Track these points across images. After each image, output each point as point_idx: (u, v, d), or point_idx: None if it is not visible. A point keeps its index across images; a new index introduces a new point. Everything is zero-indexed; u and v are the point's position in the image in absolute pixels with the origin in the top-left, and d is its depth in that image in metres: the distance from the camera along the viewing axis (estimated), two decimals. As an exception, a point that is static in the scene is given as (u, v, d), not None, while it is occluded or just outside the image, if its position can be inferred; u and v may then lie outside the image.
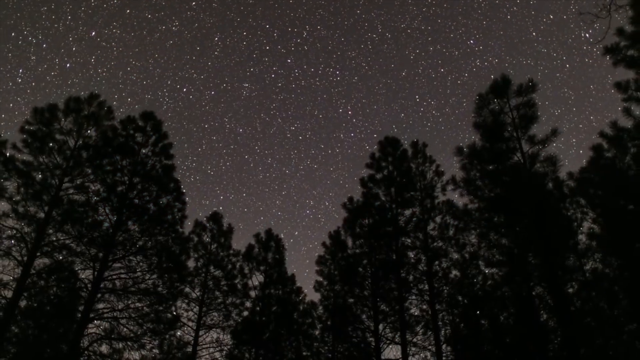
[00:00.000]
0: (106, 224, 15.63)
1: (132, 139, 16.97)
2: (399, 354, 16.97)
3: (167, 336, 17.12)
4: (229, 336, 20.21)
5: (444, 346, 16.78)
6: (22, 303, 15.47)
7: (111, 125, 16.85)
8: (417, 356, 18.13)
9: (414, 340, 17.70)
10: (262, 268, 22.18)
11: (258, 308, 21.19)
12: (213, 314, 20.23)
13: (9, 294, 13.93)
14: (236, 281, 21.05)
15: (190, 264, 19.61)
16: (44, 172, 15.34)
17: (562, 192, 15.44)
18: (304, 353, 21.41)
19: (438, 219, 18.65)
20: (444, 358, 16.40)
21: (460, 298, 17.65)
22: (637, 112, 12.68)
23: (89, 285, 14.87)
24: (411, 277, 18.16)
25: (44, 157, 15.40)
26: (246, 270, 21.65)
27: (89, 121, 16.43)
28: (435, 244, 18.20)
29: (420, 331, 17.86)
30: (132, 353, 15.26)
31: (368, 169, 20.16)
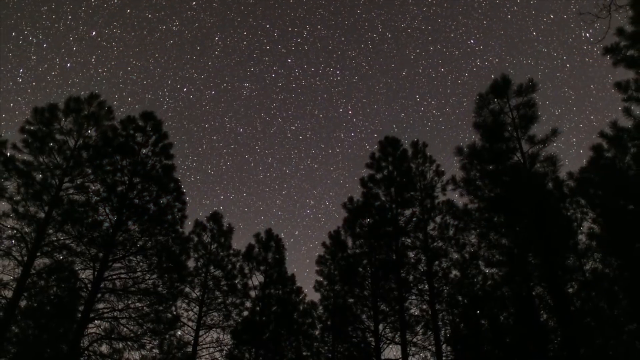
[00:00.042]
0: (106, 224, 15.64)
1: (132, 139, 16.98)
2: (399, 354, 16.99)
3: (167, 336, 17.14)
4: (229, 336, 20.24)
5: (444, 346, 16.79)
6: (22, 303, 15.47)
7: (111, 125, 16.86)
8: (417, 356, 18.15)
9: (414, 340, 17.72)
10: (262, 268, 22.19)
11: (258, 308, 21.20)
12: (213, 314, 20.25)
13: (9, 294, 13.94)
14: (236, 281, 21.06)
15: (190, 264, 19.63)
16: (44, 172, 15.34)
17: (562, 192, 15.44)
18: (304, 353, 21.41)
19: (438, 219, 18.67)
20: (444, 358, 16.41)
21: (460, 298, 17.66)
22: (637, 112, 12.69)
23: (89, 285, 14.88)
24: (411, 277, 18.17)
25: (44, 157, 15.41)
26: (246, 270, 21.67)
27: (89, 121, 16.44)
28: (435, 244, 18.21)
29: (420, 331, 17.88)
30: (132, 353, 15.28)
31: (368, 169, 20.19)
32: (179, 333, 18.51)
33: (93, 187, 15.90)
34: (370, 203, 19.62)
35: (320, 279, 22.17)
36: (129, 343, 15.04)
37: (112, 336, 14.80)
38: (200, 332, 19.40)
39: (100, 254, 15.10)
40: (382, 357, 17.58)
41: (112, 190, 15.82)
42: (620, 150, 14.24)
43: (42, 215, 14.89)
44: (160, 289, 16.21)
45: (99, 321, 14.83)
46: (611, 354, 12.56)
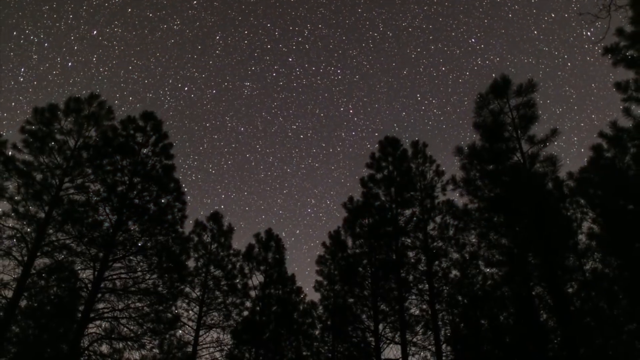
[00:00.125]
0: (106, 224, 15.66)
1: (133, 139, 16.99)
2: (399, 354, 17.00)
3: (168, 336, 17.15)
4: (229, 336, 20.25)
5: (443, 346, 16.80)
6: (23, 303, 15.50)
7: (111, 125, 16.87)
8: (417, 356, 18.15)
9: (414, 340, 17.73)
10: (262, 268, 22.20)
11: (258, 308, 21.21)
12: (213, 313, 20.26)
13: (9, 293, 13.95)
14: (236, 281, 21.07)
15: (191, 263, 19.66)
16: (44, 172, 15.36)
17: (561, 192, 15.46)
18: (304, 353, 21.43)
19: (438, 219, 18.68)
20: (443, 358, 16.42)
21: (460, 298, 17.67)
22: (637, 112, 12.70)
23: (89, 285, 14.89)
24: (411, 277, 18.18)
25: (44, 157, 15.42)
26: (246, 270, 21.68)
27: (89, 121, 16.45)
28: (435, 244, 18.22)
29: (420, 331, 17.89)
30: (133, 353, 15.29)
31: (368, 169, 20.21)
32: (179, 333, 18.55)
33: (93, 187, 15.93)
34: (370, 203, 19.64)
35: (320, 278, 22.21)
36: (129, 343, 15.06)
37: (112, 336, 14.81)
38: (201, 332, 19.42)
39: (101, 254, 15.11)
40: (382, 357, 17.60)
41: (112, 190, 15.84)
42: (620, 150, 14.25)
43: (43, 215, 14.90)
44: (160, 288, 16.23)
45: (99, 321, 14.85)
46: (611, 353, 12.58)
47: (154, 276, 16.12)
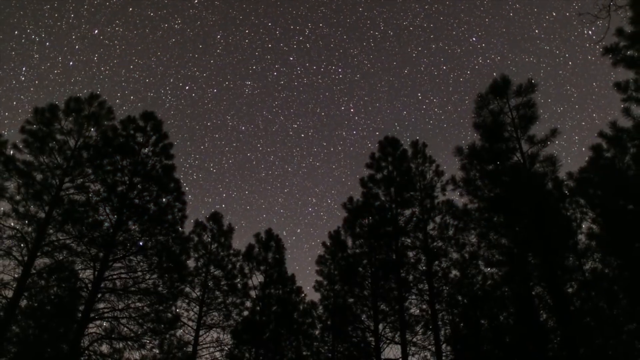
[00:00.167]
0: (106, 224, 15.67)
1: (133, 139, 17.00)
2: (398, 354, 17.01)
3: (168, 336, 17.16)
4: (229, 336, 20.26)
5: (443, 346, 16.81)
6: (23, 303, 15.50)
7: (111, 125, 16.89)
8: (417, 356, 18.15)
9: (414, 340, 17.74)
10: (262, 268, 22.21)
11: (258, 308, 21.22)
12: (213, 313, 20.27)
13: (9, 293, 13.97)
14: (236, 281, 21.08)
15: (191, 263, 19.68)
16: (44, 172, 15.37)
17: (561, 192, 15.47)
18: (304, 353, 21.44)
19: (438, 219, 18.69)
20: (443, 358, 16.43)
21: (460, 298, 17.68)
22: (637, 112, 12.71)
23: (89, 285, 14.90)
24: (411, 277, 18.19)
25: (44, 157, 15.43)
26: (246, 270, 21.69)
27: (90, 121, 16.46)
28: (435, 243, 18.23)
29: (420, 331, 17.90)
30: (133, 353, 15.31)
31: (368, 169, 20.21)
32: (179, 333, 18.55)
33: (93, 187, 15.94)
34: (370, 203, 19.65)
35: (320, 278, 22.22)
36: (129, 343, 15.07)
37: (113, 336, 14.82)
38: (201, 332, 19.43)
39: (101, 254, 15.12)
40: (382, 357, 17.61)
41: (112, 190, 15.85)
42: (619, 151, 14.27)
43: (43, 215, 14.91)
44: (160, 288, 16.24)
45: (100, 321, 14.87)
46: (610, 353, 12.59)
47: (154, 276, 16.13)
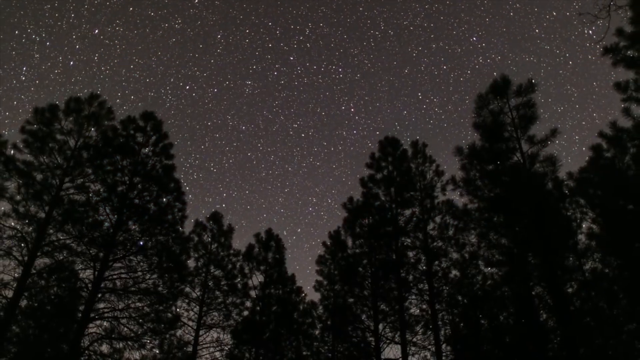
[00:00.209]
0: (107, 224, 15.67)
1: (133, 139, 17.01)
2: (398, 354, 17.02)
3: (168, 336, 17.17)
4: (229, 336, 20.26)
5: (443, 346, 16.81)
6: (23, 303, 15.50)
7: (111, 125, 16.89)
8: (416, 356, 18.16)
9: (414, 339, 17.75)
10: (262, 268, 22.21)
11: (258, 308, 21.23)
12: (213, 313, 20.27)
13: (9, 293, 13.97)
14: (236, 281, 21.08)
15: (191, 263, 19.69)
16: (44, 172, 15.37)
17: (561, 192, 15.47)
18: (304, 353, 21.44)
19: (438, 219, 18.69)
20: (443, 358, 16.43)
21: (460, 298, 17.68)
22: (637, 113, 12.72)
23: (89, 285, 14.91)
24: (411, 277, 18.19)
25: (44, 157, 15.43)
26: (246, 270, 21.69)
27: (90, 121, 16.46)
28: (435, 243, 18.23)
29: (420, 331, 17.90)
30: (133, 353, 15.31)
31: (368, 169, 20.21)
32: (179, 333, 18.56)
33: (93, 187, 15.94)
34: (370, 203, 19.65)
35: (320, 278, 22.23)
36: (129, 343, 15.07)
37: (113, 336, 14.82)
38: (201, 332, 19.43)
39: (101, 254, 15.13)
40: (382, 357, 17.61)
41: (112, 190, 15.85)
42: (619, 151, 14.27)
43: (43, 215, 14.92)
44: (160, 288, 16.24)
45: (100, 321, 14.88)
46: (610, 353, 12.59)
47: (154, 276, 16.13)
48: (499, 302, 14.48)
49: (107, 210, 15.76)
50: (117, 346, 15.01)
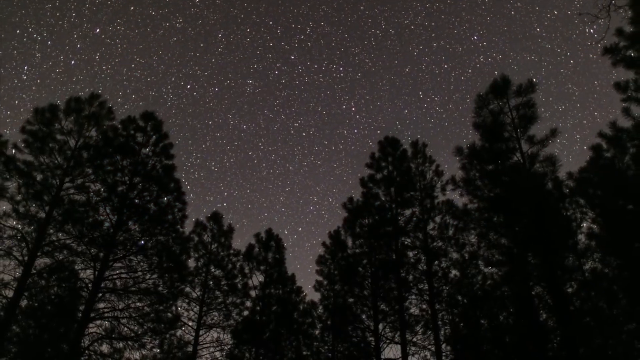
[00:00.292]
0: (107, 224, 15.68)
1: (133, 139, 17.02)
2: (398, 354, 17.02)
3: (168, 336, 17.18)
4: (229, 336, 20.27)
5: (443, 346, 16.82)
6: (23, 303, 15.52)
7: (112, 126, 16.90)
8: (416, 356, 18.16)
9: (414, 339, 17.75)
10: (262, 268, 22.22)
11: (258, 308, 21.23)
12: (213, 313, 20.28)
13: (9, 293, 13.98)
14: (236, 281, 21.09)
15: (191, 263, 19.68)
16: (44, 172, 15.38)
17: (561, 192, 15.48)
18: (304, 352, 21.45)
19: (438, 219, 18.70)
20: (443, 358, 16.44)
21: (459, 298, 17.69)
22: (637, 113, 12.73)
23: (89, 285, 14.92)
24: (411, 277, 18.20)
25: (44, 157, 15.44)
26: (246, 270, 21.70)
27: (90, 121, 16.47)
28: (435, 243, 18.24)
29: (420, 331, 17.91)
30: (133, 352, 15.32)
31: (368, 168, 20.22)
32: (180, 333, 18.57)
33: (94, 187, 15.95)
34: (370, 203, 19.66)
35: (320, 278, 22.23)
36: (129, 343, 15.08)
37: (113, 336, 14.83)
38: (201, 332, 19.44)
39: (101, 254, 15.14)
40: (382, 357, 17.62)
41: (112, 190, 15.86)
42: (619, 151, 14.28)
43: (43, 215, 14.93)
44: (160, 288, 16.25)
45: (100, 321, 14.88)
46: (610, 353, 12.60)
47: (154, 276, 16.14)
48: (498, 302, 14.48)
49: (107, 210, 15.77)
50: (117, 346, 15.03)
